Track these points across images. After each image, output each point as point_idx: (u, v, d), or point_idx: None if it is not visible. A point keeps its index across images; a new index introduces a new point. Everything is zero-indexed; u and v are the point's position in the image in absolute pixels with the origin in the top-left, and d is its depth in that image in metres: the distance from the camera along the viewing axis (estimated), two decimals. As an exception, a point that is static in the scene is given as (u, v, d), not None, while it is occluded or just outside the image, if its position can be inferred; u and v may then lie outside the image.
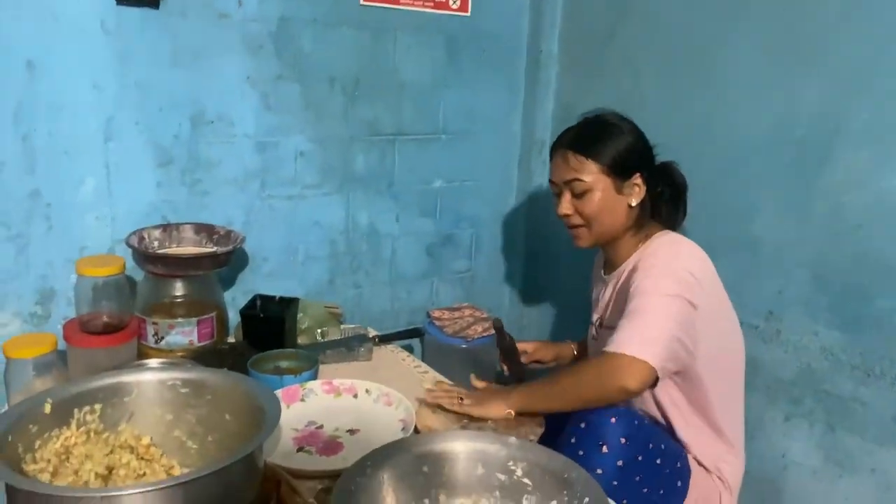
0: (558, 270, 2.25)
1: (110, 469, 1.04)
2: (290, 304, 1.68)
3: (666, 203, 1.47)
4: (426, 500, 1.07)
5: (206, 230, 1.69)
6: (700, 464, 1.41)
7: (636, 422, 1.31)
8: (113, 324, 1.45)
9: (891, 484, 1.44)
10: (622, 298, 1.38)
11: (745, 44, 1.62)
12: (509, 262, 2.35)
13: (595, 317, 1.55)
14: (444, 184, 2.13)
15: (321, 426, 1.36)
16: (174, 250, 1.62)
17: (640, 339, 1.25)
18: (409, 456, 1.09)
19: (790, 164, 1.55)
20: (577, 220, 1.45)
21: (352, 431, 1.34)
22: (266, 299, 1.69)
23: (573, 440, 1.29)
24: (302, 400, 1.42)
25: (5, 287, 1.57)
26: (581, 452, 1.26)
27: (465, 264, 2.25)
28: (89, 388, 1.05)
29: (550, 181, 1.49)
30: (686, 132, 1.73)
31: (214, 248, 1.62)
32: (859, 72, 1.44)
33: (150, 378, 1.14)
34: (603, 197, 1.41)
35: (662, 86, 1.80)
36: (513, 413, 1.35)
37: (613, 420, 1.27)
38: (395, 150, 2.02)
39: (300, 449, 1.28)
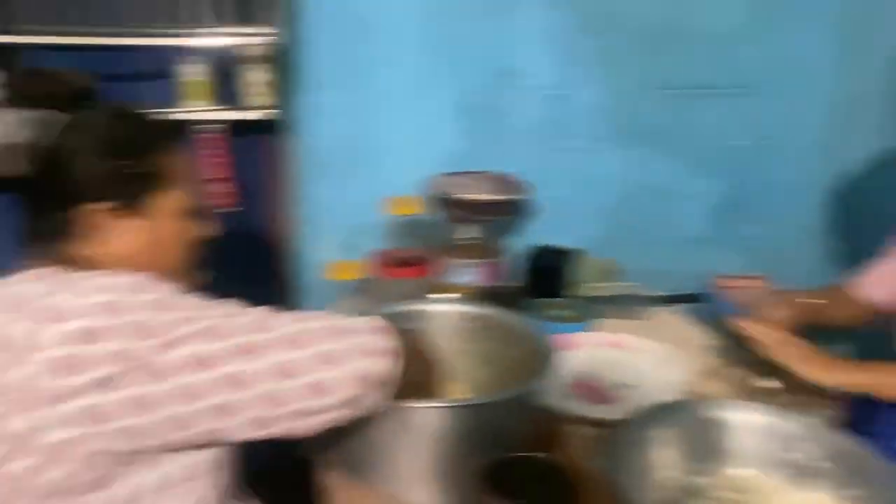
0: (868, 250, 1.98)
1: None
2: (569, 255, 1.70)
3: None
4: (703, 465, 1.03)
5: (499, 179, 1.77)
6: None
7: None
8: (412, 259, 1.60)
9: None
10: None
11: None
12: (810, 235, 2.12)
13: None
14: (740, 142, 1.98)
15: (595, 376, 1.37)
16: (469, 196, 1.72)
17: None
18: (688, 417, 1.06)
19: None
20: None
21: (625, 385, 1.33)
22: (547, 249, 1.73)
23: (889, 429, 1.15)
24: (577, 349, 1.44)
25: (327, 220, 1.81)
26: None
27: (757, 231, 2.08)
28: (397, 312, 1.17)
29: None
30: None
31: (507, 196, 1.70)
32: None
33: (443, 309, 1.24)
34: None
35: None
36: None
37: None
38: (690, 105, 1.91)
39: (574, 395, 1.31)
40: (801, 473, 1.00)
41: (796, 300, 1.50)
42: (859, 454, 0.97)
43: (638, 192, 1.96)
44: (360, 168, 1.79)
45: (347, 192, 1.80)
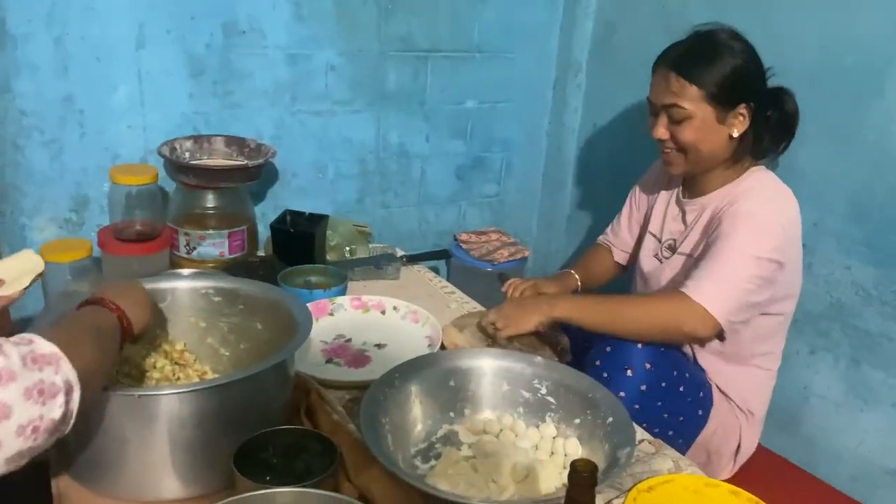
0: (591, 198, 2.22)
1: (144, 372, 1.07)
2: (319, 220, 1.69)
3: (770, 133, 1.36)
4: (451, 413, 1.10)
5: (237, 143, 1.69)
6: (724, 395, 1.42)
7: (662, 349, 1.31)
8: (146, 233, 1.47)
9: (912, 419, 1.45)
10: (708, 233, 1.34)
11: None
12: (540, 188, 2.33)
13: (666, 237, 1.49)
14: (476, 104, 2.09)
15: (349, 340, 1.38)
16: (206, 162, 1.63)
17: (718, 296, 1.23)
18: (436, 370, 1.11)
19: (837, 93, 1.49)
20: (671, 145, 1.36)
21: (379, 346, 1.36)
22: (296, 215, 1.70)
23: (598, 363, 1.30)
24: (331, 314, 1.45)
25: (41, 191, 1.59)
26: (605, 375, 1.27)
27: (494, 188, 2.24)
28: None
29: (648, 99, 1.38)
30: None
31: (245, 161, 1.62)
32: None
33: (185, 285, 1.16)
34: (702, 126, 1.31)
35: (709, 7, 1.73)
36: (552, 318, 1.32)
37: (640, 346, 1.27)
38: (428, 67, 1.98)
39: (329, 361, 1.31)
40: (533, 410, 1.10)
41: (562, 282, 1.63)
42: (581, 386, 1.08)
43: (384, 153, 1.99)
44: (80, 132, 1.59)
45: (66, 159, 1.59)
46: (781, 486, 1.45)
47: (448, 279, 1.97)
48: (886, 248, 1.46)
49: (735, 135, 1.32)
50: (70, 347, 0.73)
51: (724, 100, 1.29)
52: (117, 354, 0.86)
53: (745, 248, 1.25)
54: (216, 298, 1.16)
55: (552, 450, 1.05)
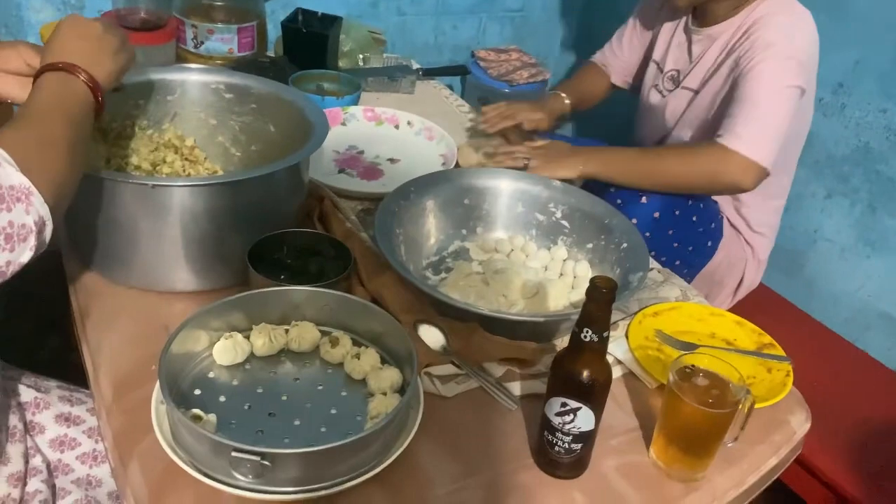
0: (614, 17, 2.09)
1: (154, 165, 1.04)
2: (332, 21, 1.59)
3: None
4: (464, 231, 1.09)
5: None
6: (734, 227, 1.41)
7: (678, 180, 1.28)
8: (151, 21, 1.39)
9: (918, 267, 1.46)
10: (723, 67, 1.27)
11: None
12: (565, 5, 2.18)
13: (670, 67, 1.42)
14: None
15: (362, 151, 1.35)
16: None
17: (759, 140, 1.18)
18: (452, 187, 1.09)
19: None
20: None
21: (392, 160, 1.33)
22: (308, 14, 1.59)
23: (613, 188, 1.28)
24: (343, 124, 1.40)
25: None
26: (619, 201, 1.24)
27: (517, 3, 2.10)
28: (134, 82, 1.01)
29: None
30: None
31: (255, -49, 1.50)
32: None
33: (195, 79, 1.10)
34: None
35: None
36: (584, 174, 1.26)
37: (656, 176, 1.24)
38: None
39: (341, 171, 1.29)
40: (545, 233, 1.09)
41: (549, 106, 1.53)
42: (596, 211, 1.07)
43: (402, -47, 1.84)
44: None
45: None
46: (778, 324, 1.46)
47: (463, 97, 1.90)
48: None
49: None
50: (41, 164, 0.65)
51: None
52: (91, 131, 0.78)
53: (773, 82, 1.19)
54: (227, 95, 1.11)
55: (562, 271, 1.05)
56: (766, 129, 1.19)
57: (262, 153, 1.11)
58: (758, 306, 1.50)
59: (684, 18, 1.40)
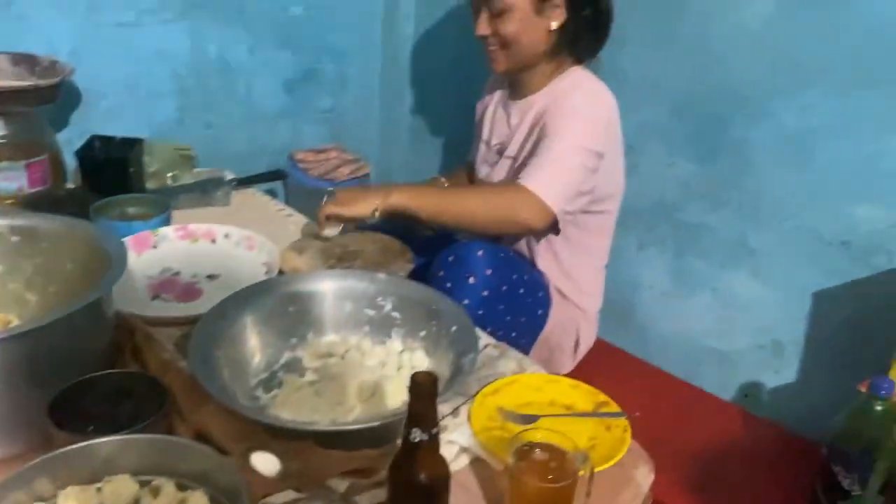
0: (431, 107, 2.18)
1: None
2: (133, 144, 1.53)
3: (586, 30, 1.39)
4: (293, 340, 1.05)
5: (25, 61, 1.47)
6: (561, 293, 1.47)
7: (501, 254, 1.33)
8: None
9: (728, 301, 1.57)
10: (535, 131, 1.37)
11: None
12: (379, 99, 2.25)
13: (494, 141, 1.51)
14: (302, 10, 1.96)
15: (178, 272, 1.28)
16: (-12, 83, 1.41)
17: (551, 185, 1.27)
18: (273, 297, 1.05)
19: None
20: (494, 41, 1.37)
21: (211, 277, 1.28)
22: (105, 140, 1.53)
23: (441, 273, 1.30)
24: (154, 247, 1.33)
25: None
26: (449, 285, 1.27)
27: (329, 102, 2.13)
28: None
29: None
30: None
31: (37, 81, 1.42)
32: None
33: (-24, 225, 1.00)
34: (522, 17, 1.33)
35: None
36: (387, 206, 1.28)
37: (480, 253, 1.29)
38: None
39: (156, 297, 1.21)
40: (378, 327, 1.08)
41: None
42: (424, 298, 1.07)
43: (205, 68, 1.83)
44: None
45: None
46: (619, 375, 1.55)
47: (286, 202, 1.88)
48: (705, 144, 1.54)
49: (553, 27, 1.35)
50: None
51: None
52: None
53: (571, 139, 1.30)
54: (14, 238, 1.02)
55: (399, 364, 1.03)
56: (558, 178, 1.28)
57: (62, 293, 1.02)
58: (599, 362, 1.56)
59: (503, 95, 1.52)
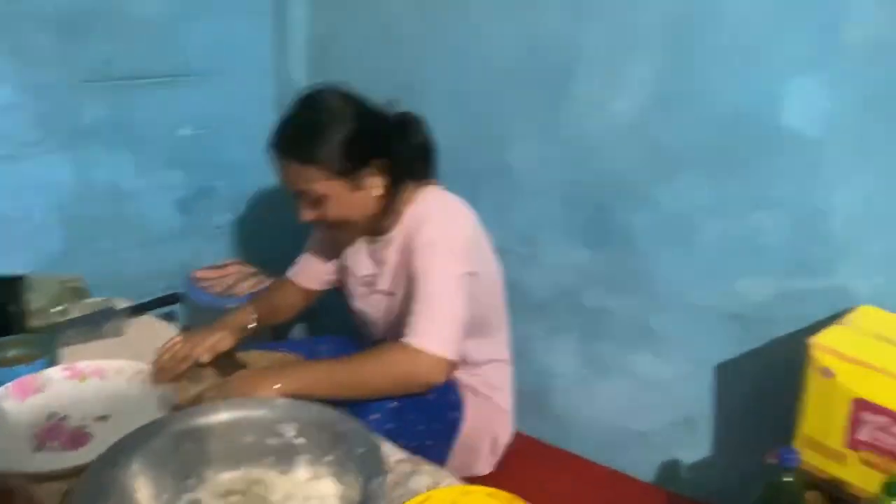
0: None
1: None
2: (11, 282, 1.45)
3: (414, 165, 1.37)
4: (191, 481, 0.98)
5: None
6: (472, 392, 1.45)
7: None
8: None
9: (638, 381, 1.60)
10: (402, 262, 1.34)
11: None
12: (277, 212, 2.23)
13: (361, 273, 1.47)
14: (193, 130, 1.95)
15: (65, 417, 1.20)
16: None
17: (439, 334, 1.22)
18: (165, 437, 0.99)
19: (539, 90, 1.60)
20: (324, 224, 1.35)
21: (103, 418, 1.20)
22: (-16, 280, 1.45)
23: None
24: (39, 391, 1.24)
25: None
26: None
27: (226, 217, 2.11)
28: None
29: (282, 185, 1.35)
30: (443, 63, 1.73)
31: None
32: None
33: None
34: (340, 200, 1.29)
35: (417, 17, 1.77)
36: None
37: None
38: (133, 95, 1.80)
39: (40, 448, 1.12)
40: (282, 457, 1.03)
41: (232, 323, 1.48)
42: (328, 421, 1.03)
43: (92, 195, 1.78)
44: None
45: None
46: (539, 468, 1.53)
47: (188, 324, 1.82)
48: (597, 231, 1.60)
49: (376, 193, 1.32)
50: None
51: (349, 168, 1.28)
52: None
53: (442, 275, 1.27)
54: None
55: (306, 495, 0.98)
56: (446, 323, 1.24)
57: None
58: (519, 456, 1.54)
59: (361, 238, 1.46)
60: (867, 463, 1.10)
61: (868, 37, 1.21)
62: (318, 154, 1.26)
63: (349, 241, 1.48)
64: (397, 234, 1.38)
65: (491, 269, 1.44)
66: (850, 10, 1.22)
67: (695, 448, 1.53)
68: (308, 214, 1.32)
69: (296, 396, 1.19)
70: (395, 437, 1.18)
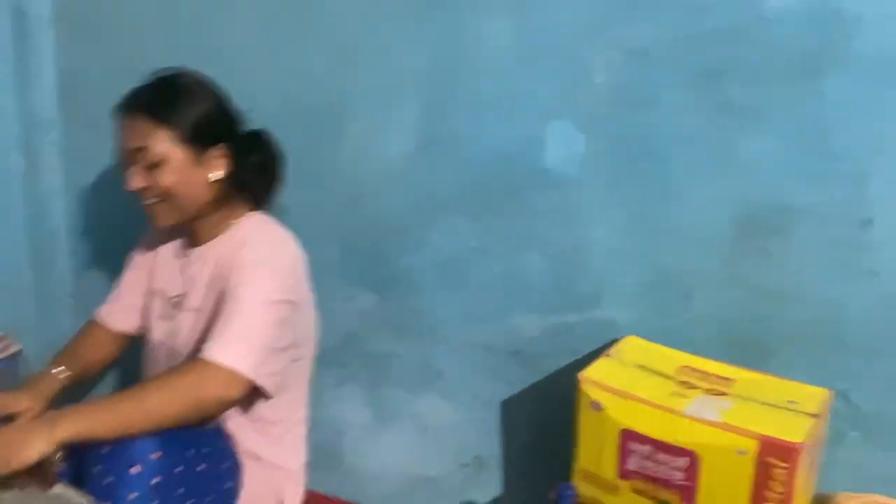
0: (99, 265, 1.95)
1: None
2: None
3: (254, 177, 1.35)
4: None
5: None
6: (254, 456, 1.35)
7: (173, 431, 1.18)
8: None
9: (426, 425, 1.58)
10: (217, 284, 1.27)
11: (244, 8, 1.57)
12: (28, 265, 1.97)
13: (171, 293, 1.38)
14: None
15: None
16: None
17: (238, 349, 1.16)
18: None
19: (306, 134, 1.55)
20: (151, 194, 1.27)
21: None
22: None
23: (98, 468, 1.11)
24: None
25: None
26: (109, 480, 1.10)
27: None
28: None
29: (120, 149, 1.30)
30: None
31: None
32: (355, 40, 1.48)
33: None
34: (179, 169, 1.26)
35: (167, 53, 1.64)
36: (60, 443, 1.05)
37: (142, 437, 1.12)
38: None
39: None
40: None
41: (37, 389, 1.36)
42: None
43: None
44: None
45: None
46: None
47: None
48: (377, 275, 1.56)
49: (214, 178, 1.30)
50: None
51: (198, 141, 1.28)
52: None
53: (257, 296, 1.21)
54: None
55: None
56: (246, 339, 1.18)
57: None
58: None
59: (177, 244, 1.40)
60: (638, 491, 1.14)
61: (611, 83, 1.30)
62: (174, 115, 1.26)
63: (163, 250, 1.43)
64: (215, 250, 1.31)
65: (310, 310, 1.39)
66: (599, 56, 1.29)
67: (485, 489, 1.53)
68: (139, 181, 1.27)
69: (77, 443, 1.07)
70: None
